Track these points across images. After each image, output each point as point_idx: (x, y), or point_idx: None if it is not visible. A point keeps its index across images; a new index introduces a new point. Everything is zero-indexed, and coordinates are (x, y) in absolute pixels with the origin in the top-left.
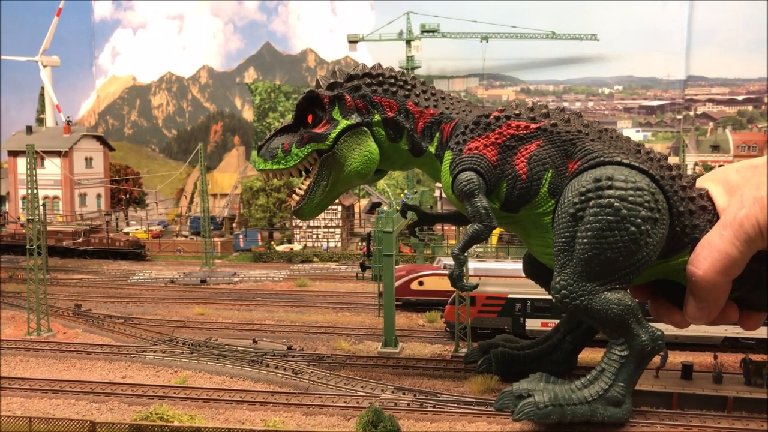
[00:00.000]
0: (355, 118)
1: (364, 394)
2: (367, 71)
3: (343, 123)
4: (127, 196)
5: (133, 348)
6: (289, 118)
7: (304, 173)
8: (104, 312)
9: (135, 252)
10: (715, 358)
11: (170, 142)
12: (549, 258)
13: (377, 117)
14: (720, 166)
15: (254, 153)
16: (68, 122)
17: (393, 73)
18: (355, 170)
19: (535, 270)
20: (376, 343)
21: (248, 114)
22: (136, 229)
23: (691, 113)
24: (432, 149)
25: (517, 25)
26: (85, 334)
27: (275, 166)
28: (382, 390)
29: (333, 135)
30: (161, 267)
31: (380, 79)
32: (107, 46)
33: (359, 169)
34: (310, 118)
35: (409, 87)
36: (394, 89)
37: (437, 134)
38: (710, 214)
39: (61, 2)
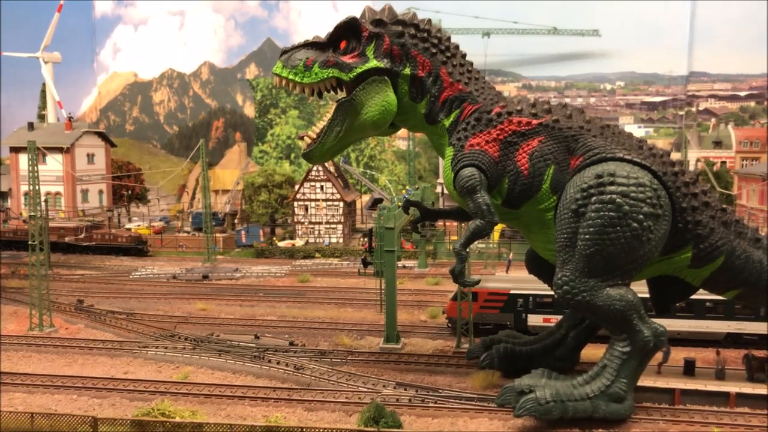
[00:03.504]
0: (386, 63)
1: (365, 389)
2: (415, 22)
3: (373, 62)
4: (129, 192)
5: (135, 344)
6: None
7: (316, 95)
8: (106, 308)
9: (137, 248)
10: (718, 354)
11: (172, 138)
12: (551, 254)
13: (407, 71)
14: (722, 162)
15: (278, 64)
16: (70, 118)
17: (439, 35)
18: (371, 119)
19: (538, 266)
20: (378, 339)
21: (249, 110)
22: (138, 225)
23: (693, 109)
24: (446, 123)
25: (519, 21)
26: (87, 330)
27: (291, 76)
28: (384, 386)
29: (358, 70)
30: (163, 263)
31: (425, 35)
32: (108, 43)
33: (375, 118)
34: (343, 44)
35: (449, 54)
36: (434, 51)
37: (457, 111)
38: (713, 210)
39: None
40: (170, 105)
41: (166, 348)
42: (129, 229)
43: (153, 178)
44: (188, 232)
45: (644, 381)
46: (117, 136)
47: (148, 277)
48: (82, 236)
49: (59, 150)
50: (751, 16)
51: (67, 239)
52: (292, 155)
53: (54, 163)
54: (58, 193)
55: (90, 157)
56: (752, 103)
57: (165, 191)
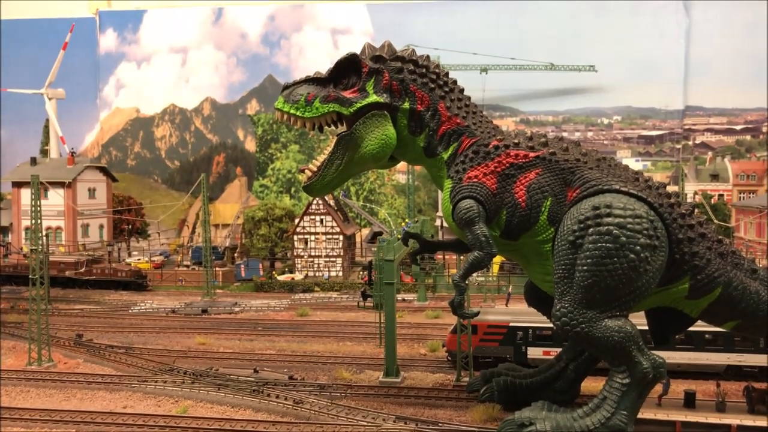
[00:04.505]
0: (385, 98)
1: (365, 423)
2: (414, 58)
3: (373, 97)
4: (130, 226)
5: (134, 378)
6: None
7: (316, 129)
8: (105, 342)
9: (137, 282)
10: (718, 386)
11: (173, 173)
12: (549, 285)
13: (406, 105)
14: (720, 195)
15: (280, 99)
16: (72, 153)
17: (437, 70)
18: (371, 152)
19: (537, 298)
20: (378, 373)
21: (250, 145)
22: (138, 260)
23: (690, 143)
24: (445, 156)
25: (516, 57)
26: (86, 364)
27: (293, 111)
28: (384, 419)
29: (358, 105)
30: (162, 297)
31: (423, 70)
32: (112, 79)
33: (375, 151)
34: (343, 80)
35: (447, 89)
36: (432, 86)
37: (455, 144)
38: (710, 242)
39: (68, 36)
40: (172, 140)
41: (165, 382)
42: (129, 264)
43: (153, 213)
44: (188, 266)
45: (645, 413)
46: (118, 170)
47: (147, 312)
48: (82, 270)
49: (61, 185)
50: (744, 51)
51: (67, 273)
52: (293, 189)
53: (56, 198)
54: (58, 228)
55: (91, 192)
56: (748, 137)
57: (165, 225)
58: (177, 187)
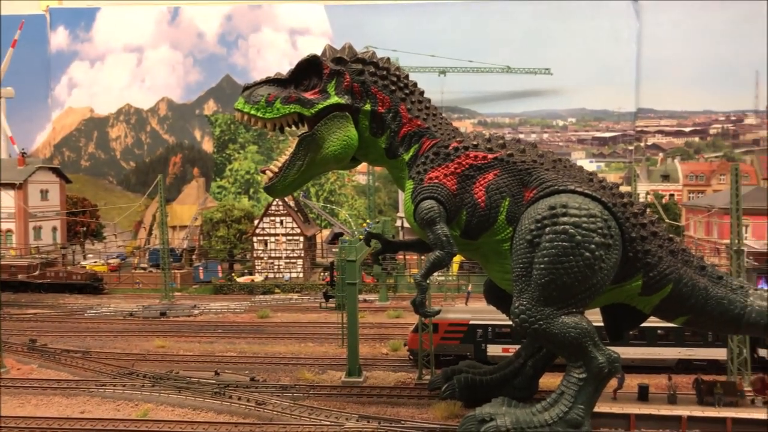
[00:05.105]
0: (347, 99)
1: (328, 423)
2: (375, 60)
3: (334, 99)
4: (85, 228)
5: (91, 382)
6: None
7: (277, 130)
8: (61, 347)
9: (93, 285)
10: (670, 379)
11: (128, 174)
12: (508, 284)
13: (367, 107)
14: (670, 195)
15: (240, 100)
16: (23, 154)
17: (398, 72)
18: (333, 153)
19: (496, 296)
20: (340, 373)
21: (208, 146)
22: (94, 262)
23: (642, 144)
24: (406, 157)
25: (474, 59)
26: (41, 370)
27: (253, 112)
28: (347, 419)
29: (320, 106)
30: (120, 300)
31: (384, 72)
32: (64, 78)
33: (337, 152)
34: (304, 81)
35: (407, 91)
36: (393, 88)
37: (416, 145)
38: (661, 240)
39: (17, 34)
40: (127, 141)
41: (124, 386)
42: (84, 267)
43: (109, 215)
44: (145, 269)
45: (600, 407)
46: (72, 172)
47: (104, 315)
48: (35, 274)
49: (11, 186)
50: (692, 56)
51: (19, 277)
52: (251, 190)
53: (6, 200)
54: (9, 230)
55: (44, 193)
56: (697, 138)
57: (121, 228)
58: (133, 188)
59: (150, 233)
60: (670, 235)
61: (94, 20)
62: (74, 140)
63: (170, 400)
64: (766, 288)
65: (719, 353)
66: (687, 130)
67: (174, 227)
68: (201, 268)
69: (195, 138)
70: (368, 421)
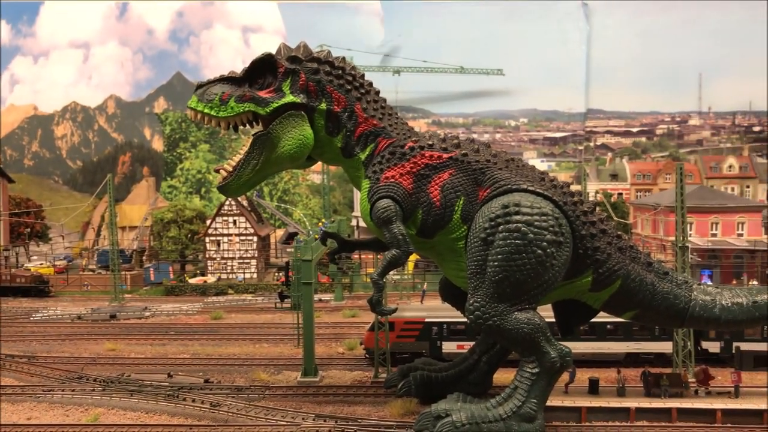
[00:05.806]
0: (302, 98)
1: (285, 423)
2: (330, 59)
3: (289, 98)
4: (29, 229)
5: (38, 388)
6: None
7: (231, 128)
8: (5, 352)
9: (38, 288)
10: (618, 372)
11: (75, 173)
12: (463, 281)
13: (323, 106)
14: (619, 193)
15: (193, 98)
16: None
17: (353, 72)
18: (288, 152)
19: (451, 294)
20: (296, 373)
21: (158, 144)
22: (40, 265)
23: (591, 144)
24: (362, 157)
25: (428, 59)
26: None
27: (207, 110)
28: (303, 418)
29: (275, 105)
30: (67, 303)
31: (340, 72)
32: (5, 74)
33: (292, 151)
34: (259, 80)
35: (363, 91)
36: (349, 87)
37: (372, 145)
38: (610, 237)
39: None
40: (73, 139)
41: (73, 391)
42: (29, 269)
43: (55, 215)
44: (93, 271)
45: (553, 401)
46: (15, 171)
47: (50, 319)
48: None
49: None
50: (638, 58)
51: None
52: (203, 190)
53: None
54: None
55: None
56: (643, 139)
57: (68, 229)
58: (80, 188)
59: (98, 234)
60: (619, 233)
61: (38, 14)
62: (17, 138)
63: (122, 404)
64: (708, 283)
65: (665, 347)
66: (635, 130)
67: (123, 228)
68: (152, 269)
69: (145, 136)
70: (325, 420)
